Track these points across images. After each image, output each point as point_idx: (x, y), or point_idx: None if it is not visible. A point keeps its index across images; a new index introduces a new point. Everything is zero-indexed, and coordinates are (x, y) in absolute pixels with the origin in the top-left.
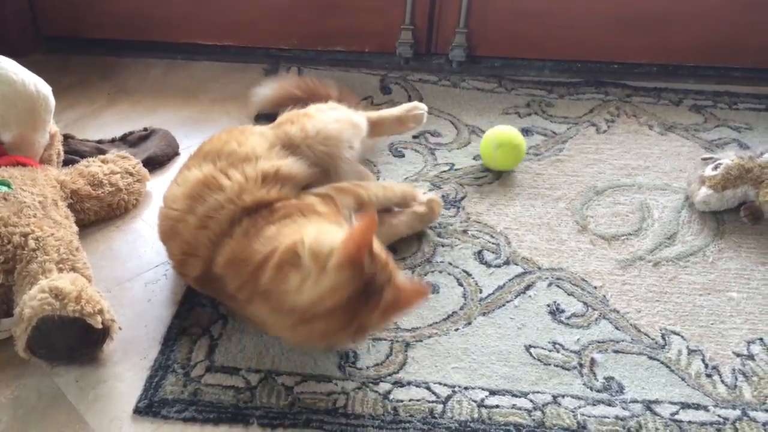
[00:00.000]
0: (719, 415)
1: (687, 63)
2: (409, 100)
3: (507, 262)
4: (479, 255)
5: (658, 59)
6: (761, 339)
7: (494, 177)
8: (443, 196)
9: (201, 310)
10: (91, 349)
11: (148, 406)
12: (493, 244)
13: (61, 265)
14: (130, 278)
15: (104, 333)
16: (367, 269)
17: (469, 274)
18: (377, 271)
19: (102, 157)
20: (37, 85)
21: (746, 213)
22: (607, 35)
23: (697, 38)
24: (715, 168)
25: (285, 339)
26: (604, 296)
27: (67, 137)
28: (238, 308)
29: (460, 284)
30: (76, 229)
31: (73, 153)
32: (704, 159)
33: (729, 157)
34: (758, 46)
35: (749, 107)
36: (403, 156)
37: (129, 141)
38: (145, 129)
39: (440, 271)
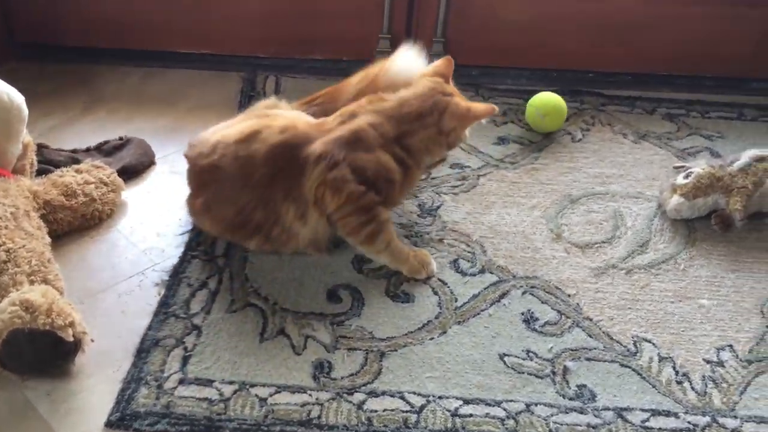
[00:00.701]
0: (689, 422)
1: (660, 72)
2: None
3: (482, 271)
4: (455, 264)
5: (633, 68)
6: (731, 346)
7: (470, 185)
8: (419, 205)
9: (175, 320)
10: (63, 361)
11: (120, 419)
12: (468, 252)
13: (32, 277)
14: (103, 289)
15: (76, 345)
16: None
17: (444, 283)
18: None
19: (76, 166)
20: (10, 94)
21: (717, 221)
22: (583, 44)
23: (670, 47)
24: (687, 176)
25: None
26: (578, 304)
27: (41, 147)
28: None
29: (436, 293)
30: (48, 240)
31: (47, 163)
32: (676, 167)
33: (700, 166)
34: (729, 56)
35: (721, 116)
36: None
37: (104, 150)
38: (121, 138)
39: (416, 280)
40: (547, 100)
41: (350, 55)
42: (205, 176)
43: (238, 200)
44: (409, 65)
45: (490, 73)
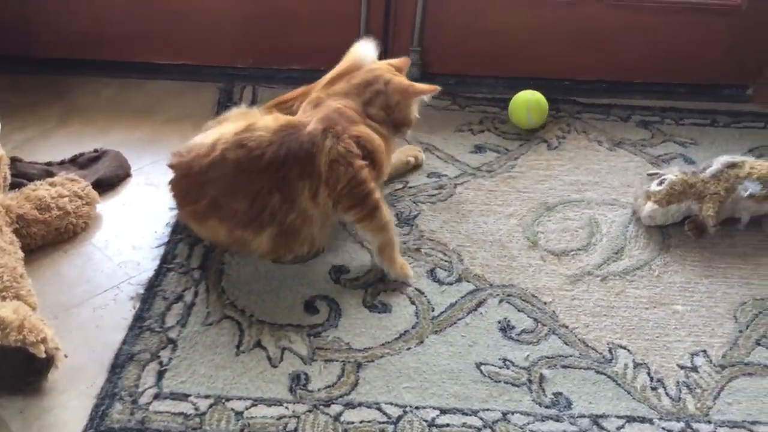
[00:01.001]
0: (663, 428)
1: (635, 80)
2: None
3: (459, 280)
4: (432, 273)
5: (608, 76)
6: (704, 351)
7: (447, 194)
8: (397, 214)
9: (150, 334)
10: (36, 378)
11: None
12: (445, 261)
13: (4, 293)
14: (78, 304)
15: (48, 362)
16: None
17: (421, 293)
18: None
19: (50, 180)
20: None
21: (690, 227)
22: (558, 53)
23: (644, 55)
24: (660, 183)
25: None
26: (554, 312)
27: (14, 160)
28: None
29: (413, 303)
30: (21, 255)
31: (21, 176)
32: (649, 174)
33: (673, 173)
34: (702, 63)
35: (694, 122)
36: None
37: (79, 163)
38: (96, 150)
39: (393, 290)
40: (531, 99)
41: (327, 65)
42: (208, 174)
43: (251, 187)
44: (369, 53)
45: (467, 82)
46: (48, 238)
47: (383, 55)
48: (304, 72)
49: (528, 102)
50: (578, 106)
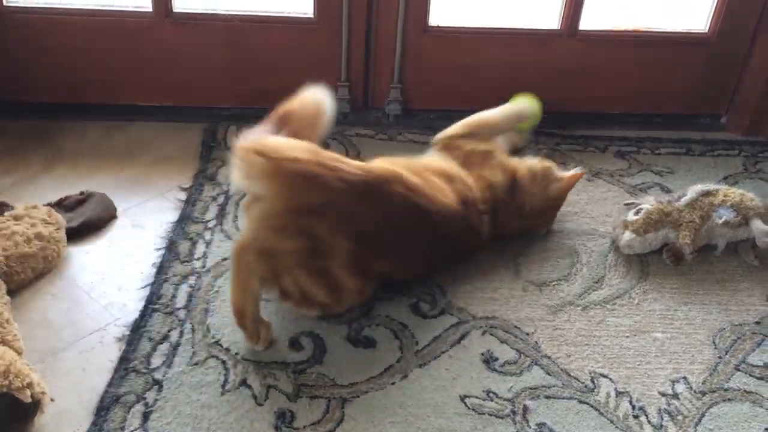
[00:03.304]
0: None
1: (612, 111)
2: (347, 154)
3: (442, 312)
4: (415, 306)
5: (585, 108)
6: (685, 378)
7: None
8: None
9: (136, 376)
10: (22, 423)
11: None
12: (428, 294)
13: None
14: (64, 347)
15: (34, 406)
16: None
17: (405, 326)
18: None
19: (11, 213)
20: None
21: (668, 255)
22: (536, 87)
23: (620, 87)
24: (637, 213)
25: None
26: (536, 342)
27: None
28: None
29: (397, 337)
30: (7, 299)
31: None
32: (626, 204)
33: (649, 202)
34: (676, 94)
35: (670, 152)
36: None
37: (65, 206)
38: (82, 193)
39: (377, 325)
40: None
41: None
42: (373, 202)
43: (408, 237)
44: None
45: (448, 117)
46: (38, 269)
47: (364, 92)
48: None
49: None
50: (557, 138)
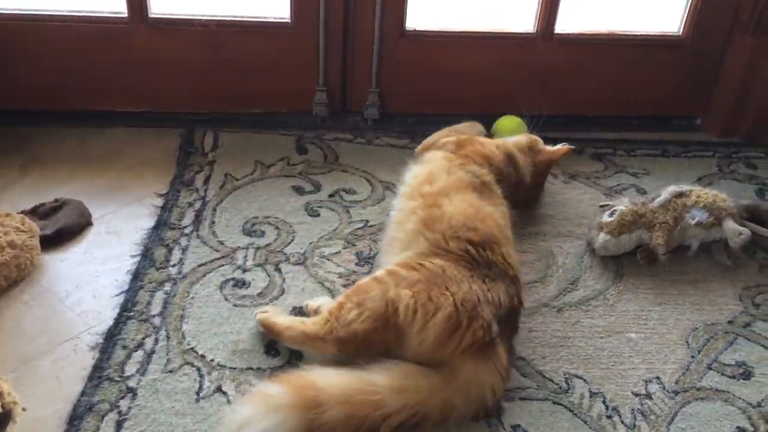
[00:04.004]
0: None
1: (588, 113)
2: (325, 159)
3: None
4: None
5: (561, 110)
6: (658, 378)
7: None
8: (357, 254)
9: (109, 384)
10: None
11: None
12: None
13: None
14: (37, 356)
15: (5, 416)
16: None
17: None
18: None
19: None
20: None
21: (642, 256)
22: (511, 89)
23: (596, 90)
24: (611, 215)
25: None
26: (512, 344)
27: None
28: None
29: None
30: None
31: None
32: (601, 206)
33: (623, 204)
34: (652, 96)
35: (646, 153)
36: (318, 215)
37: (39, 213)
38: (57, 200)
39: None
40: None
41: (289, 108)
42: None
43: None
44: None
45: (426, 121)
46: (11, 278)
47: (342, 96)
48: (266, 115)
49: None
50: None
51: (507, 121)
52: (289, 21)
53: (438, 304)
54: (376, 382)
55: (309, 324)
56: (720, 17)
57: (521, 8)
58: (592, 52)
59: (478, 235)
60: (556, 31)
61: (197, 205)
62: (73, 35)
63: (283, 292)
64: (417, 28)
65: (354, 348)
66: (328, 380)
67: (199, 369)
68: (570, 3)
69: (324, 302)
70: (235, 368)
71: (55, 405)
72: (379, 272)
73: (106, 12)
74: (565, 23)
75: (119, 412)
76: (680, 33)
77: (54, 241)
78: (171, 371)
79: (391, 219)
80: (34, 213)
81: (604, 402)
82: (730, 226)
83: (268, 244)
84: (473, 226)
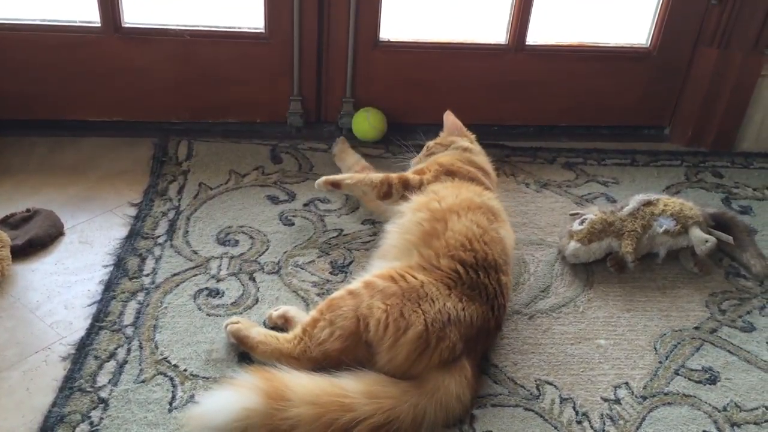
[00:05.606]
0: None
1: (559, 123)
2: (300, 168)
3: None
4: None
5: (533, 120)
6: (627, 383)
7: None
8: (331, 262)
9: (81, 395)
10: None
11: None
12: None
13: None
14: (7, 367)
15: None
16: None
17: None
18: None
19: None
20: None
21: (612, 263)
22: (486, 100)
23: (567, 100)
24: (581, 223)
25: None
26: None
27: None
28: None
29: None
30: None
31: None
32: (572, 214)
33: (593, 212)
34: (621, 106)
35: (616, 162)
36: (292, 224)
37: (10, 223)
38: (28, 210)
39: None
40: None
41: (264, 117)
42: None
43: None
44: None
45: (400, 129)
46: None
47: (317, 106)
48: (240, 125)
49: (365, 111)
50: (506, 150)
51: (359, 126)
52: (263, 31)
53: (409, 322)
54: (347, 386)
55: (283, 341)
56: (686, 30)
57: (493, 20)
58: (562, 63)
59: (473, 257)
60: (527, 43)
61: (171, 214)
62: (45, 44)
63: (257, 301)
64: (390, 39)
65: (327, 365)
66: (299, 381)
67: (172, 379)
68: (541, 15)
69: (286, 310)
70: (208, 378)
71: (25, 416)
72: (354, 284)
73: (78, 21)
74: (537, 35)
75: (91, 423)
76: (648, 45)
77: (25, 251)
78: (143, 381)
79: (394, 227)
80: (5, 223)
81: (574, 408)
82: (697, 234)
83: (242, 254)
84: (472, 247)
